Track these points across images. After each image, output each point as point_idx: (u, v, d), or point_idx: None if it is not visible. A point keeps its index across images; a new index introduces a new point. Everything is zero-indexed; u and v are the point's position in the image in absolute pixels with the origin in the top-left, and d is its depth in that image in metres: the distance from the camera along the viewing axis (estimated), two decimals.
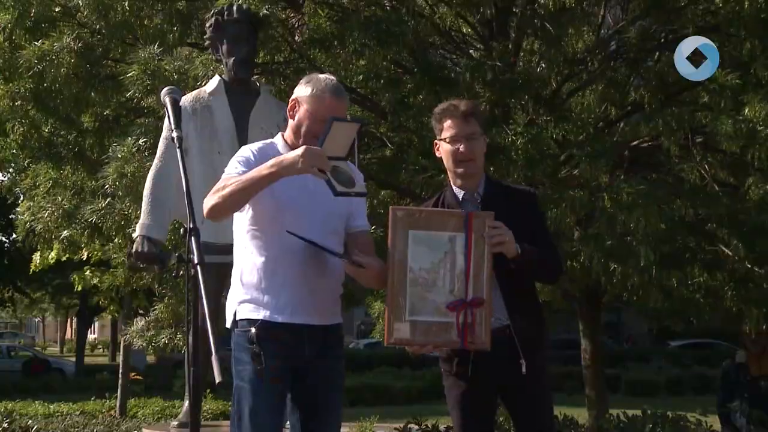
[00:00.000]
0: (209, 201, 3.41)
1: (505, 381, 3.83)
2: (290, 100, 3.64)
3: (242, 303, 3.54)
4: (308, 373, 3.56)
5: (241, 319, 3.53)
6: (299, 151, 3.29)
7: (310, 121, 3.54)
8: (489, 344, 3.59)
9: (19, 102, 7.48)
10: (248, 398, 3.47)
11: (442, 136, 3.89)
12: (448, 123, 3.87)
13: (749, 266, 7.71)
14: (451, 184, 3.95)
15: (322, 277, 3.52)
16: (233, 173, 3.46)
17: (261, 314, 3.49)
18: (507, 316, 3.79)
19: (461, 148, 3.83)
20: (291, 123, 3.62)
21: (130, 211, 6.96)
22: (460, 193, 3.91)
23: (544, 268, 3.89)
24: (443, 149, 3.90)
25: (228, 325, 3.61)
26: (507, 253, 3.65)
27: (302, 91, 3.59)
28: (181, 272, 3.20)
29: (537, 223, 3.91)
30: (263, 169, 3.33)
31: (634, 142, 8.09)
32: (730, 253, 7.75)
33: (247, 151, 3.57)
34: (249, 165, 3.47)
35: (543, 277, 4.01)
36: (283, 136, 3.66)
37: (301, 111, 3.57)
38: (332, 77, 3.64)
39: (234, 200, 3.39)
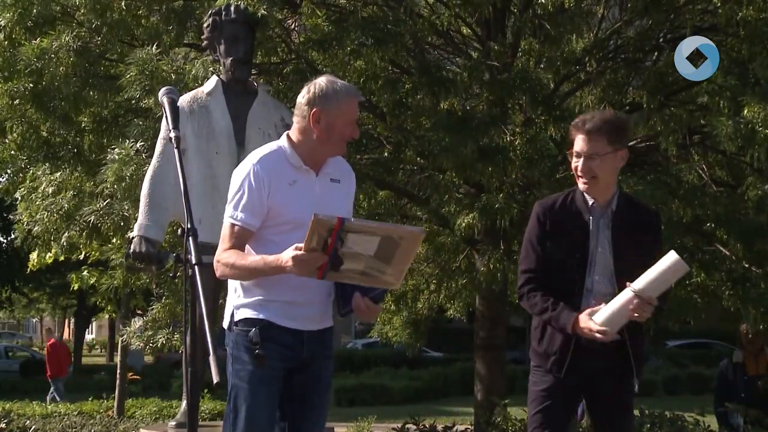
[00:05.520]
0: (222, 269, 3.49)
1: (590, 390, 3.84)
2: (311, 112, 3.52)
3: (243, 305, 3.55)
4: (301, 372, 3.58)
5: (241, 320, 3.53)
6: (289, 258, 3.32)
7: (337, 120, 3.52)
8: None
9: (17, 101, 7.47)
10: (246, 399, 3.48)
11: (572, 147, 3.85)
12: (575, 136, 3.82)
13: (747, 266, 7.72)
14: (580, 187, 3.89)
15: (318, 283, 3.52)
16: (238, 222, 3.48)
17: (263, 315, 3.50)
18: (626, 332, 3.76)
19: (579, 165, 3.80)
20: (312, 130, 3.53)
21: (129, 213, 6.95)
22: (590, 200, 3.85)
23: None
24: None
25: (225, 325, 3.61)
26: (642, 320, 3.72)
27: (326, 101, 3.51)
28: (179, 272, 3.19)
29: (656, 246, 3.84)
30: (269, 264, 3.39)
31: (632, 142, 8.09)
32: (728, 253, 7.76)
33: (254, 185, 3.48)
34: (254, 210, 3.48)
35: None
36: (289, 137, 3.61)
37: (331, 118, 3.52)
38: (334, 78, 3.62)
39: (241, 278, 3.52)
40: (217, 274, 3.53)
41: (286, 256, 3.33)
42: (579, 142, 3.79)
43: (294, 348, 3.53)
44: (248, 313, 3.53)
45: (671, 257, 3.60)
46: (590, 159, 3.75)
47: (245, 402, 3.48)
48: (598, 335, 3.64)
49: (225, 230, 3.54)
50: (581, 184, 3.81)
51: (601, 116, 3.86)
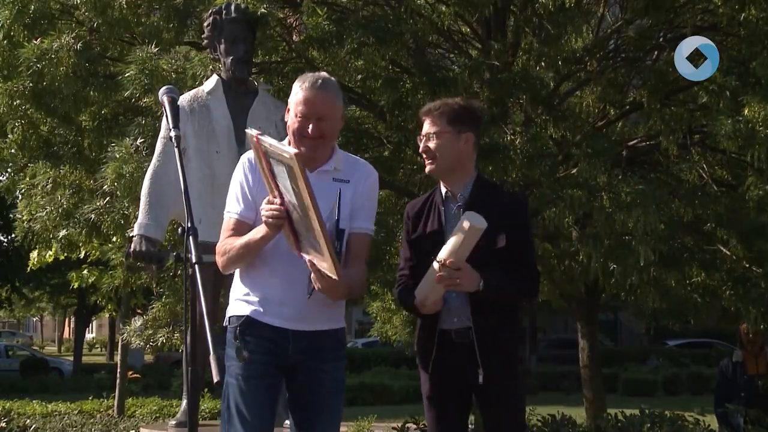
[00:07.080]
0: (220, 261, 3.54)
1: (469, 384, 3.79)
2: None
3: (234, 301, 3.60)
4: (297, 373, 3.55)
5: (230, 316, 3.59)
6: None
7: (290, 117, 3.57)
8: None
9: (18, 101, 7.47)
10: (236, 395, 3.49)
11: None
12: (423, 123, 3.92)
13: (747, 266, 7.72)
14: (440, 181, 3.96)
15: (299, 280, 3.46)
16: (234, 214, 3.55)
17: (247, 310, 3.52)
18: (470, 318, 3.75)
19: (420, 146, 3.88)
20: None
21: (129, 211, 6.95)
22: (445, 190, 3.90)
23: (510, 296, 3.79)
24: None
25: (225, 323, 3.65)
26: (466, 289, 3.69)
27: (294, 88, 3.61)
28: (179, 271, 3.20)
29: (519, 233, 3.79)
30: (259, 231, 3.40)
31: (632, 142, 8.10)
32: (728, 253, 7.77)
33: (243, 177, 3.56)
34: (246, 201, 3.52)
35: (510, 302, 3.85)
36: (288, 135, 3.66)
37: (292, 106, 3.60)
38: (324, 74, 3.61)
39: (240, 262, 3.53)
40: (220, 267, 3.56)
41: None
42: (424, 126, 3.88)
43: (277, 343, 3.50)
44: (233, 310, 3.58)
45: (464, 224, 3.63)
46: (429, 138, 3.83)
47: (234, 398, 3.49)
48: (422, 308, 3.76)
49: (224, 225, 3.59)
50: (426, 167, 3.89)
51: (446, 100, 3.96)
